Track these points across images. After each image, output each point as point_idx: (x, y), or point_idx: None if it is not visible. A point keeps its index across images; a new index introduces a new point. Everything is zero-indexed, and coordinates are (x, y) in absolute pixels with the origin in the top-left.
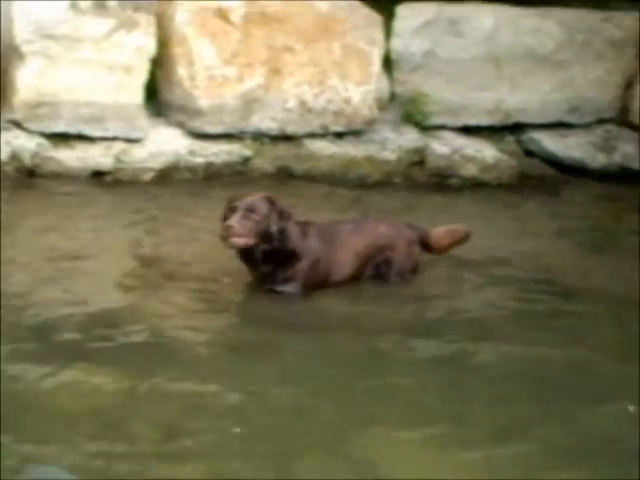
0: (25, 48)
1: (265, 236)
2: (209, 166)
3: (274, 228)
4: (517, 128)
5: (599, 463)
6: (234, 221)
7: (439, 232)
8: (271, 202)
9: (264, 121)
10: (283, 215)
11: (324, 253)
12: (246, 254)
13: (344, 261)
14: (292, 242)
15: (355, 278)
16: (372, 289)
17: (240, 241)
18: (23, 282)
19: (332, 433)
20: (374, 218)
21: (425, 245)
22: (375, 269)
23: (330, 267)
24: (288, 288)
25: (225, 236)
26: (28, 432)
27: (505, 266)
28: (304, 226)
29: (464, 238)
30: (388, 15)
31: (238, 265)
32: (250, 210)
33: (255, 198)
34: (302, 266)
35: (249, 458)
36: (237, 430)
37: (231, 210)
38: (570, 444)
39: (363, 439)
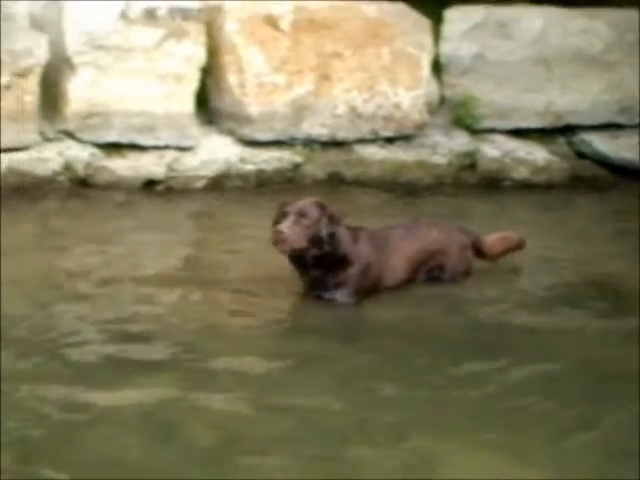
0: (76, 59)
1: (316, 241)
2: (260, 173)
3: (324, 233)
4: (568, 130)
5: None
6: (285, 226)
7: (492, 239)
8: (322, 207)
9: (314, 127)
10: (333, 220)
11: (375, 258)
12: (297, 258)
13: (395, 266)
14: (343, 247)
15: (407, 283)
16: (424, 294)
17: (287, 248)
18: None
19: (390, 436)
20: (425, 223)
21: (478, 252)
22: (428, 274)
23: (381, 272)
24: (339, 294)
25: (276, 241)
26: None
27: (558, 269)
28: (355, 231)
29: (518, 246)
30: (437, 19)
31: (288, 272)
32: (301, 215)
33: (306, 203)
34: (353, 271)
35: (303, 458)
36: (293, 432)
37: (282, 215)
38: None
39: (421, 443)
